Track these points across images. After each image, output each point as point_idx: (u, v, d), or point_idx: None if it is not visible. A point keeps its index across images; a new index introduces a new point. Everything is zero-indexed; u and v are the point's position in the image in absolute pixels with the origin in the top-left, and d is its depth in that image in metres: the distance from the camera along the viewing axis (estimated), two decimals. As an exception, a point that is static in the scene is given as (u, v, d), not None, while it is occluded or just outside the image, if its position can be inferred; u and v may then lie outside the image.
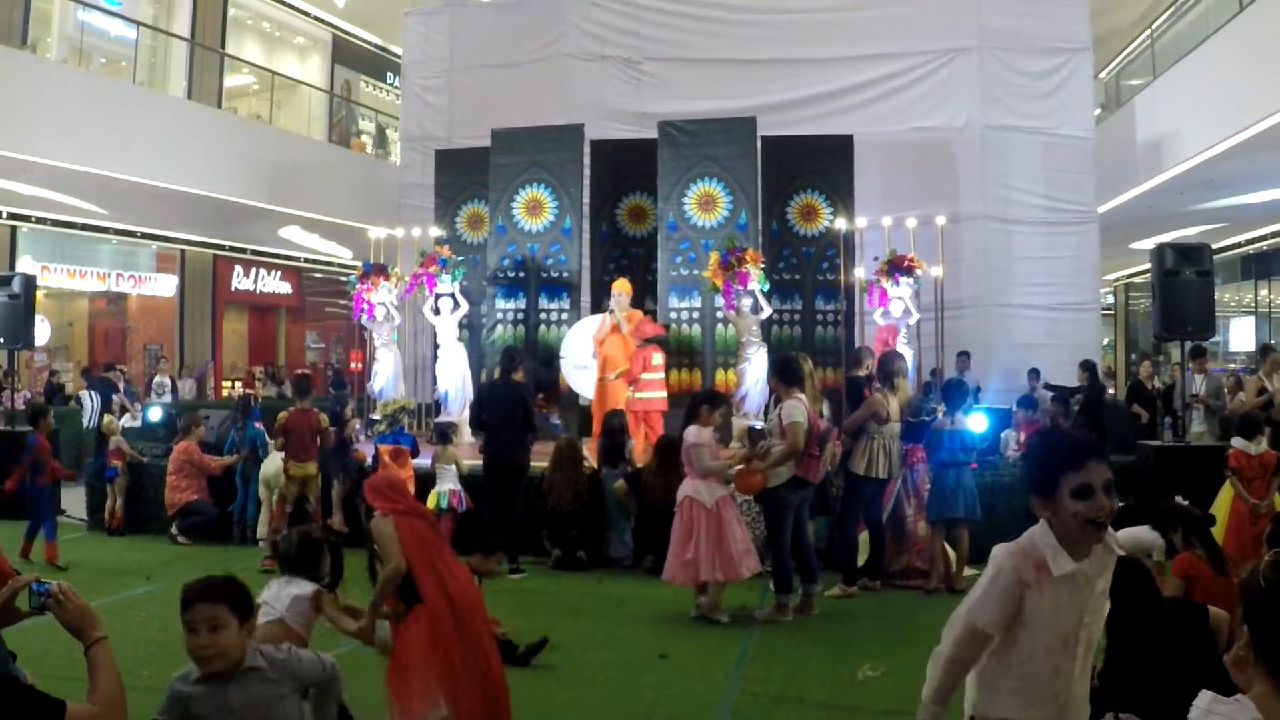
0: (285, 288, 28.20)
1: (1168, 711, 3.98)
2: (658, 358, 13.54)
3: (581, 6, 18.74)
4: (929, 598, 9.74)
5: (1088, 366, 15.65)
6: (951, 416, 10.07)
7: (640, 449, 12.30)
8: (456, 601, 5.20)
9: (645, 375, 13.37)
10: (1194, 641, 4.83)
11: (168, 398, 20.03)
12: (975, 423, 10.58)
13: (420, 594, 5.18)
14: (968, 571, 9.87)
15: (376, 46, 29.39)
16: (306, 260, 28.48)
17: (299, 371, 18.57)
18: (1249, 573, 5.03)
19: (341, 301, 24.87)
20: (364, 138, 29.54)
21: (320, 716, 4.12)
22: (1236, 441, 9.86)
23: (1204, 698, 2.76)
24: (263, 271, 27.26)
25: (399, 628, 5.24)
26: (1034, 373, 16.28)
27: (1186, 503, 7.05)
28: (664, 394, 13.53)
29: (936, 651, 3.58)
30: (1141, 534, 7.21)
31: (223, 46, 24.40)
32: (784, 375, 9.25)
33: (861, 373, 11.22)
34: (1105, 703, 5.09)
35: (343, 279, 18.52)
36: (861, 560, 10.06)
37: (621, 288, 14.21)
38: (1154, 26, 23.94)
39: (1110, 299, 34.91)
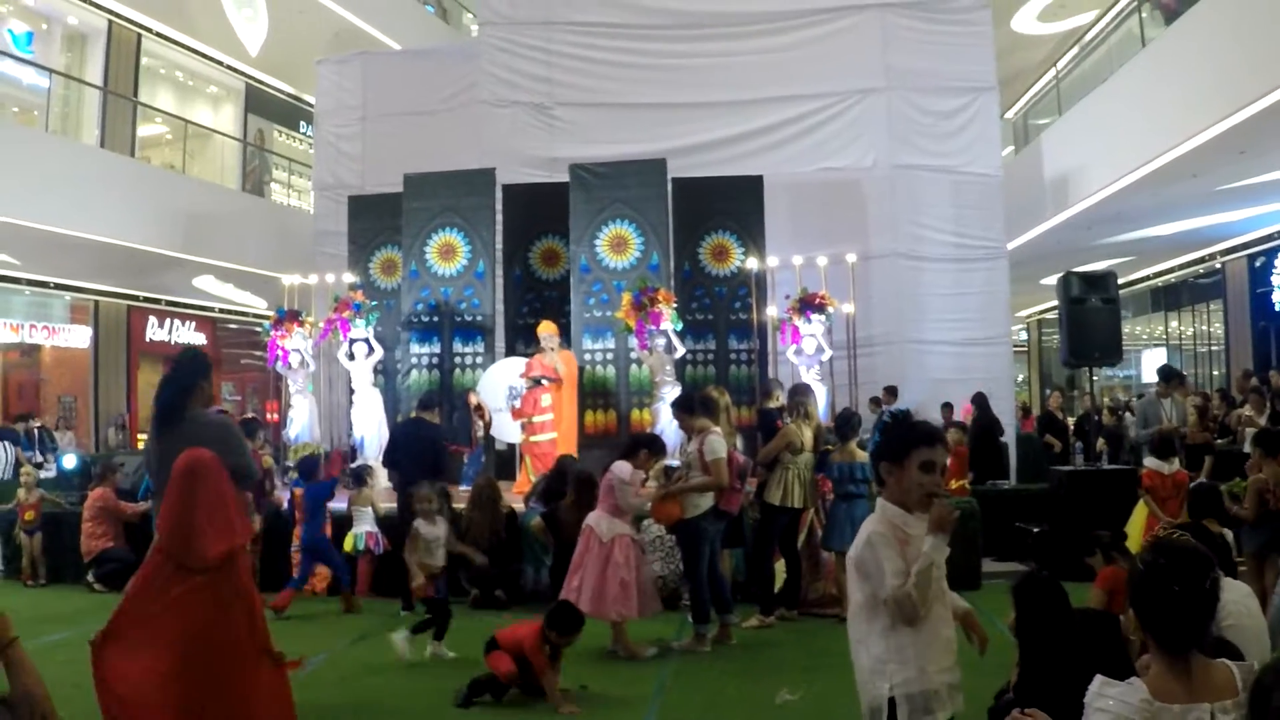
0: (200, 338, 27.86)
1: None
2: (546, 399, 13.63)
3: (494, 53, 18.76)
4: (844, 625, 9.75)
5: (978, 400, 15.86)
6: (842, 447, 10.17)
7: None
8: None
9: (537, 418, 13.46)
10: (1106, 650, 4.90)
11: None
12: None
13: None
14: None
15: (290, 95, 29.27)
16: (221, 311, 28.19)
17: (248, 415, 18.44)
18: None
19: (257, 352, 24.70)
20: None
21: None
22: (1150, 462, 10.08)
23: (1096, 682, 2.86)
24: (177, 322, 26.92)
25: None
26: (947, 406, 16.46)
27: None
28: (555, 434, 13.62)
29: (896, 599, 3.86)
30: None
31: (136, 95, 24.20)
32: (688, 408, 9.39)
33: (772, 404, 11.30)
34: None
35: (257, 329, 18.42)
36: (778, 589, 10.14)
37: (549, 329, 14.27)
38: (1059, 67, 24.41)
39: (1024, 335, 35.39)
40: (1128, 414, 19.81)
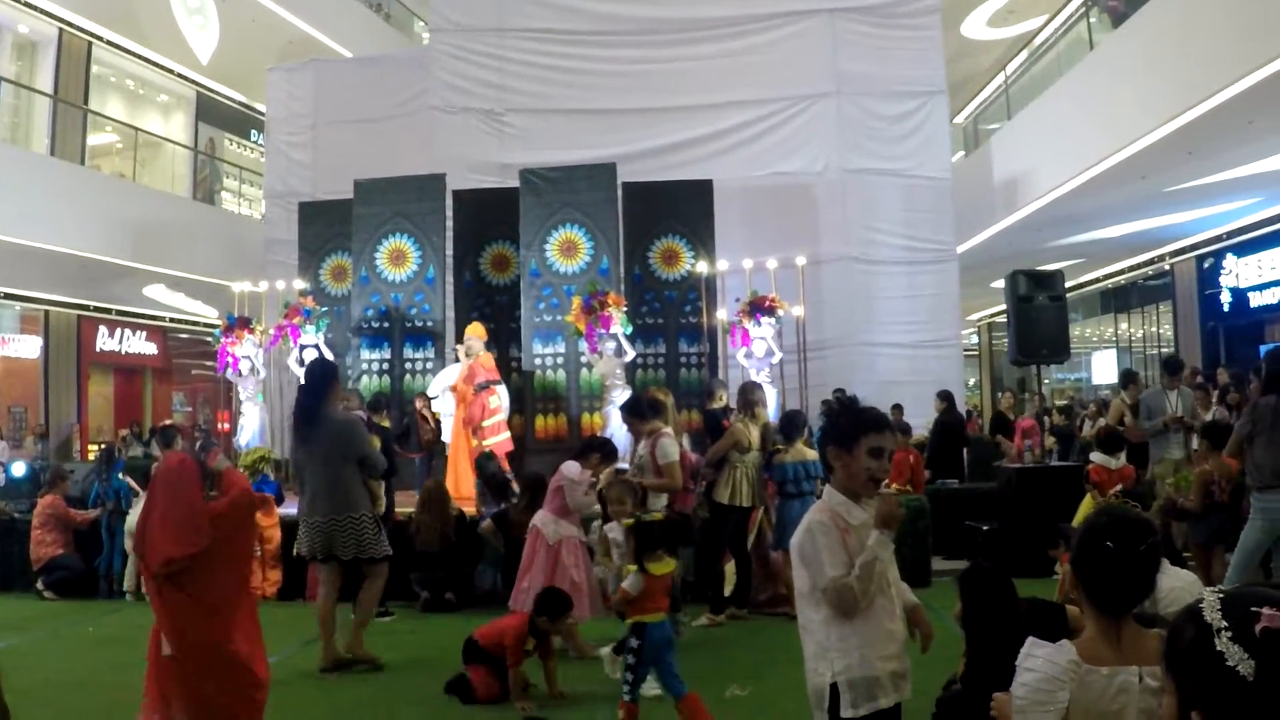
0: (151, 348, 27.70)
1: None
2: (494, 400, 13.62)
3: (445, 60, 18.76)
4: (794, 623, 9.80)
5: (945, 396, 15.93)
6: (790, 447, 10.20)
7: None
8: None
9: (486, 422, 13.45)
10: (1053, 640, 4.94)
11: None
12: None
13: None
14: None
15: (240, 103, 29.13)
16: (172, 320, 28.02)
17: (165, 423, 18.32)
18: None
19: (208, 362, 24.55)
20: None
21: None
22: (1096, 457, 10.17)
23: (1027, 643, 2.88)
24: (128, 332, 26.75)
25: None
26: (897, 408, 16.52)
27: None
28: (508, 434, 13.61)
29: (834, 591, 3.88)
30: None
31: (86, 103, 24.04)
32: (636, 410, 9.42)
33: (716, 405, 11.31)
34: (968, 704, 5.20)
35: (208, 339, 18.32)
36: (729, 590, 10.14)
37: (477, 333, 14.24)
38: (1008, 71, 24.56)
39: (974, 338, 35.58)
40: (1080, 412, 19.99)
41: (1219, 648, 1.96)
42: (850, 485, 4.01)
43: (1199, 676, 2.00)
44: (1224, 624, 1.97)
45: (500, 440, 13.50)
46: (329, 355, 15.51)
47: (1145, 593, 2.90)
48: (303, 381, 8.72)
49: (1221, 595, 2.04)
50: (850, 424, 4.06)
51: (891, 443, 4.08)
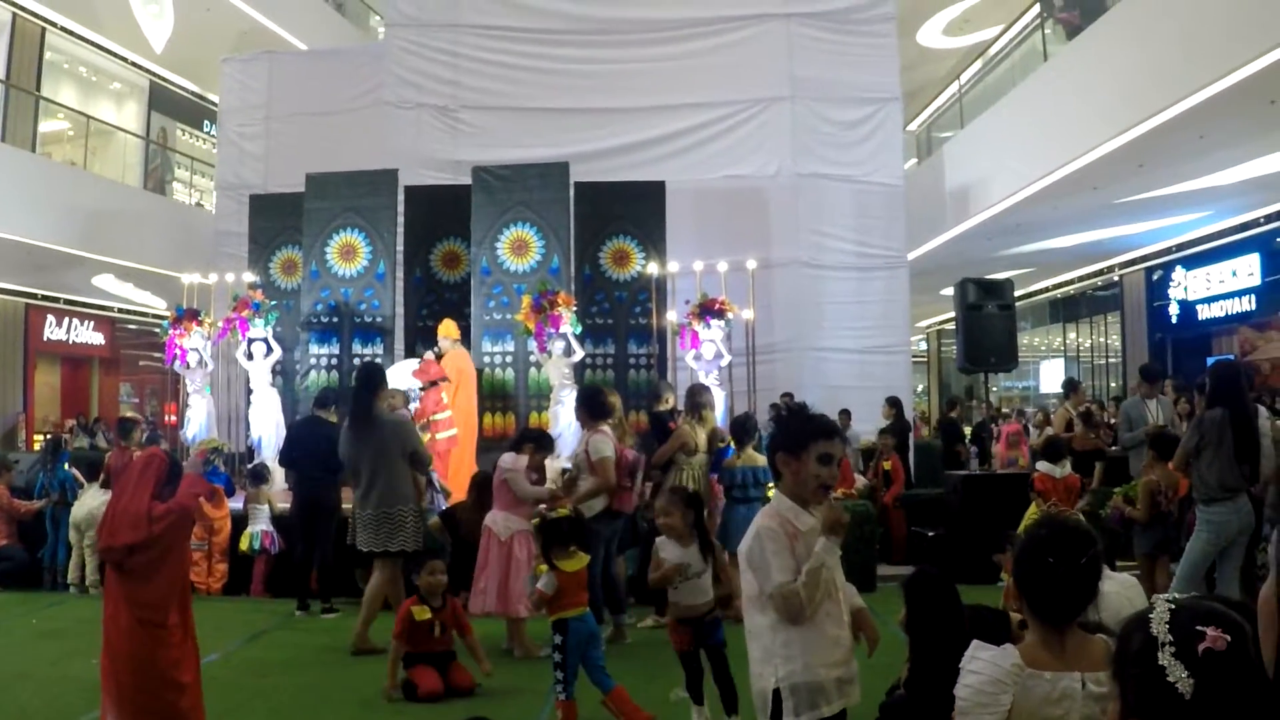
0: (99, 339, 27.50)
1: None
2: (445, 396, 13.62)
3: (400, 55, 18.67)
4: (739, 626, 9.87)
5: (894, 402, 16.02)
6: (739, 452, 10.25)
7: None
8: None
9: (438, 416, 13.44)
10: (997, 645, 4.98)
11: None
12: None
13: None
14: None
15: (194, 94, 28.91)
16: (120, 310, 27.82)
17: (125, 414, 18.20)
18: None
19: (156, 355, 24.32)
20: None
21: None
22: (1041, 465, 10.27)
23: (972, 645, 2.91)
24: (76, 322, 26.53)
25: None
26: (845, 413, 16.58)
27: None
28: (455, 430, 13.60)
29: (782, 597, 3.93)
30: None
31: (38, 89, 23.84)
32: (590, 408, 9.37)
33: (662, 407, 11.31)
34: (911, 710, 5.24)
35: (156, 330, 18.18)
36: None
37: (448, 332, 14.22)
38: (962, 81, 24.72)
39: (923, 345, 35.79)
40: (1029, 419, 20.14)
41: (1161, 662, 1.97)
42: (799, 492, 4.06)
43: (1140, 687, 2.01)
44: (1169, 638, 1.98)
45: (450, 435, 13.47)
46: (277, 349, 15.46)
47: (1087, 602, 2.94)
48: (358, 382, 9.50)
49: (1173, 607, 2.05)
50: (799, 430, 4.14)
51: (840, 450, 4.17)
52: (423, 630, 7.58)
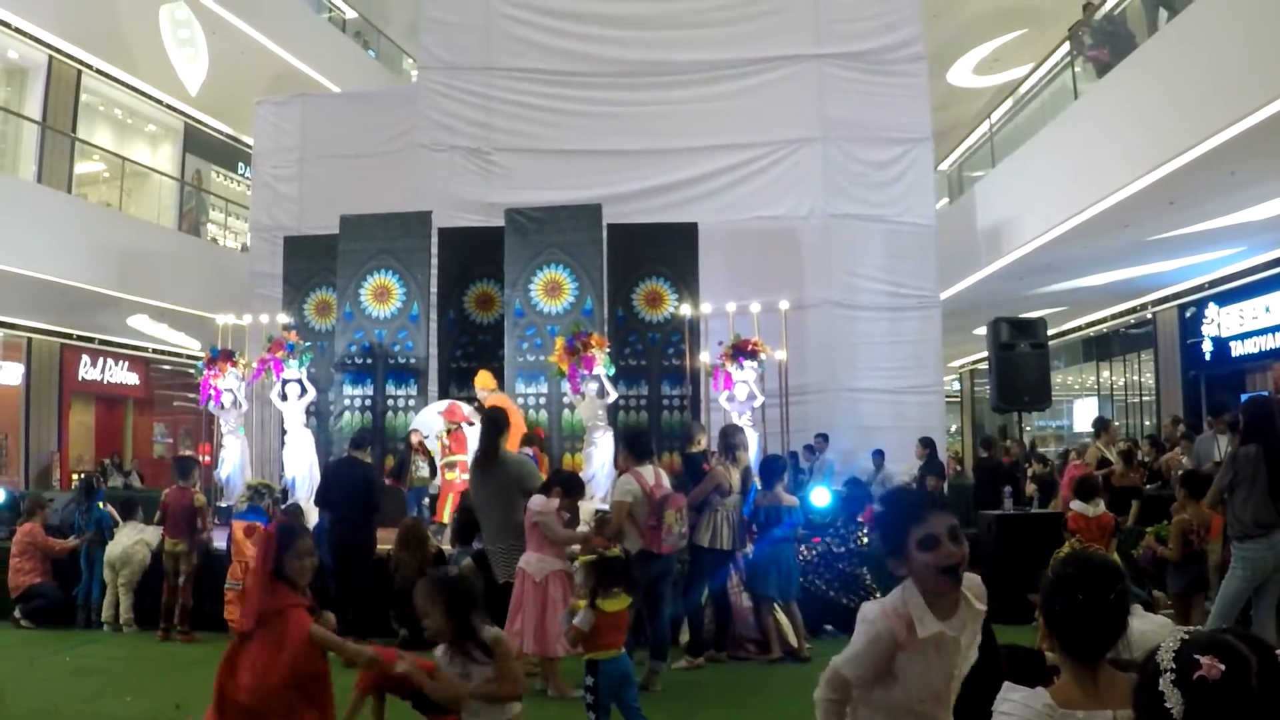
0: (133, 378, 27.63)
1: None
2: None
3: (433, 98, 18.78)
4: (773, 667, 9.91)
5: (927, 443, 15.96)
6: (767, 493, 10.27)
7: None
8: None
9: (459, 456, 13.56)
10: (1031, 686, 4.95)
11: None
12: (817, 498, 11.02)
13: None
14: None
15: (228, 136, 29.13)
16: (155, 351, 27.97)
17: (182, 453, 18.30)
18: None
19: (190, 395, 24.49)
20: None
21: None
22: (1075, 505, 10.21)
23: (1004, 687, 2.89)
24: (110, 362, 26.67)
25: None
26: (878, 454, 16.55)
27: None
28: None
29: (817, 696, 3.71)
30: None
31: (74, 131, 24.04)
32: (632, 448, 9.44)
33: (695, 449, 11.28)
34: None
35: (190, 371, 18.31)
36: (686, 636, 10.15)
37: (483, 384, 14.33)
38: (993, 120, 24.70)
39: (956, 385, 35.66)
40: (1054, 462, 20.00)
41: (1160, 688, 2.01)
42: (926, 589, 3.55)
43: (1144, 714, 2.05)
44: (1171, 666, 2.02)
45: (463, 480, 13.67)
46: (311, 390, 15.52)
47: (1116, 636, 2.92)
48: (485, 426, 9.86)
49: (1184, 638, 2.07)
50: (890, 527, 3.66)
51: (944, 521, 3.55)
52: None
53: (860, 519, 12.04)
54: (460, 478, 13.58)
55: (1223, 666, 2.02)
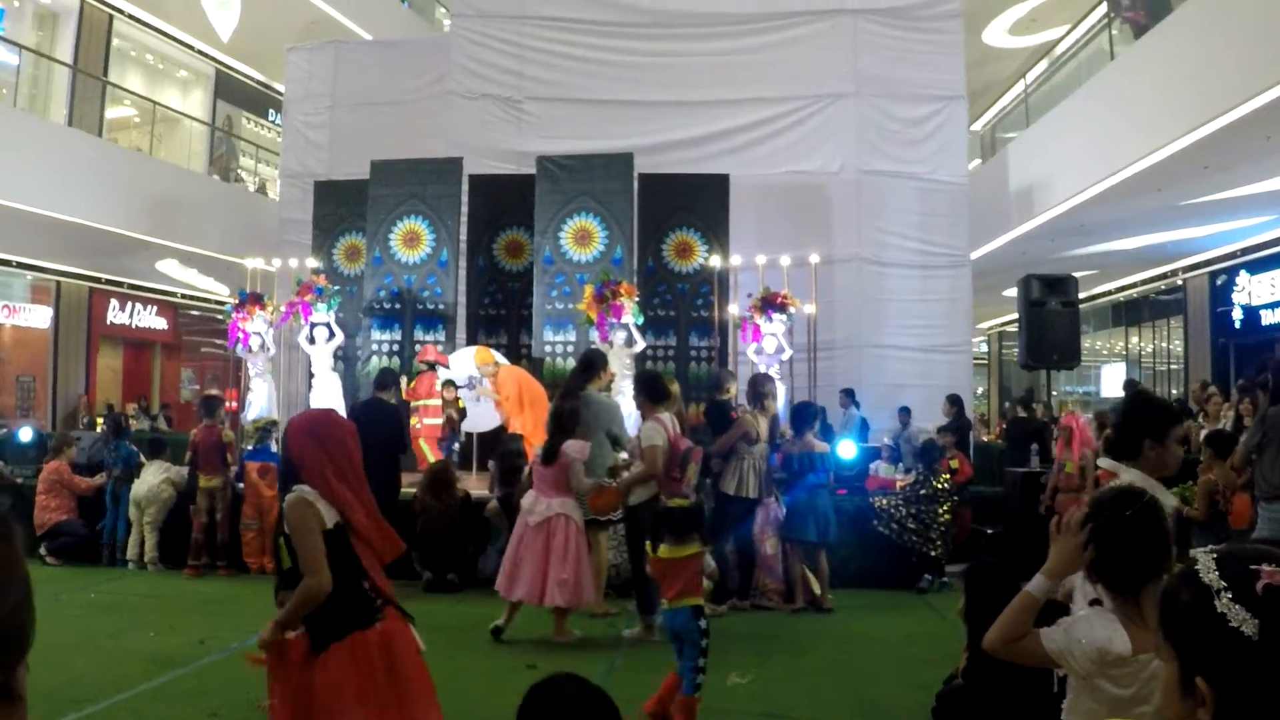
0: (161, 323, 27.74)
1: (1030, 706, 4.10)
2: (437, 384, 14.05)
3: (465, 45, 18.72)
4: (795, 616, 9.92)
5: (955, 400, 15.88)
6: (799, 440, 10.25)
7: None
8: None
9: (428, 401, 13.71)
10: None
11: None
12: (843, 450, 11.03)
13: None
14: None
15: (259, 82, 29.09)
16: (183, 296, 28.02)
17: (209, 393, 18.37)
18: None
19: (217, 340, 24.49)
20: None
21: None
22: (1104, 463, 10.14)
23: (1091, 612, 2.98)
24: (139, 306, 26.77)
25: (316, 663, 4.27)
26: (904, 410, 16.49)
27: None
28: (440, 420, 14.08)
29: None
30: None
31: (105, 75, 24.05)
32: (649, 392, 9.27)
33: (724, 396, 11.24)
34: (968, 698, 5.19)
35: (219, 316, 18.30)
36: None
37: (482, 359, 14.38)
38: (1028, 80, 24.54)
39: (984, 347, 35.54)
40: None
41: (1220, 609, 1.94)
42: (1162, 471, 4.28)
43: (1200, 641, 1.96)
44: (1223, 584, 1.95)
45: (432, 424, 13.81)
46: (339, 334, 15.54)
47: (1158, 562, 2.88)
48: (575, 366, 10.51)
49: (1215, 556, 2.02)
50: (1162, 417, 4.40)
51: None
52: None
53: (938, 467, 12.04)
54: (423, 422, 13.74)
55: None
